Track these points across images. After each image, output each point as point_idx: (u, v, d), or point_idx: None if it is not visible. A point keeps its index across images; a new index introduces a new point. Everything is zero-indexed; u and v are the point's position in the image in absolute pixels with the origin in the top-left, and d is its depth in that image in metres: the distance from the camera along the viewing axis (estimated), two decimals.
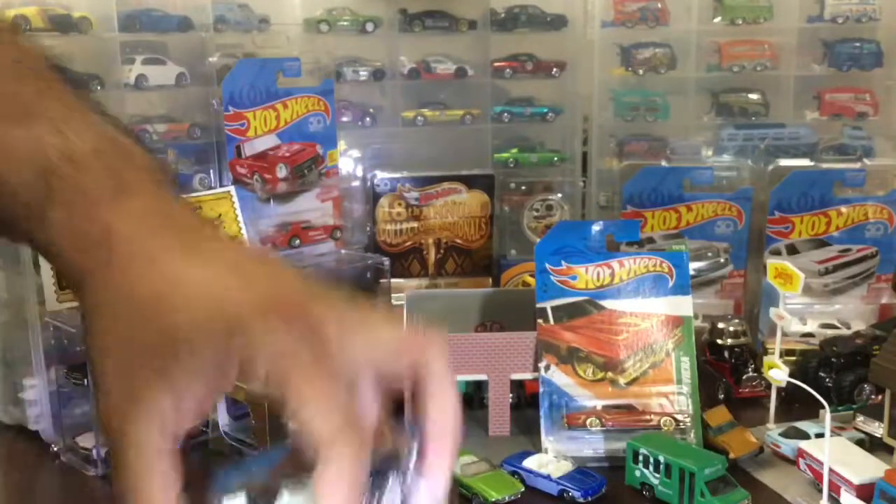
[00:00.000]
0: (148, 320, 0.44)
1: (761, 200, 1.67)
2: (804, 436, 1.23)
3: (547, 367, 1.30)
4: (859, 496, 1.06)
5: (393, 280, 1.62)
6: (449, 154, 1.81)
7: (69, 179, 0.46)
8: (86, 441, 1.26)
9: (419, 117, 1.81)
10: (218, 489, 0.47)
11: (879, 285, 1.68)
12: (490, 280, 1.78)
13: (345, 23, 1.77)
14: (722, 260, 1.68)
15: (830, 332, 1.58)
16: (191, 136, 1.61)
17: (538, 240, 1.43)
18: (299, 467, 0.44)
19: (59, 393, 1.28)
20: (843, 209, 1.65)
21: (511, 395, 1.35)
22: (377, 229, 1.74)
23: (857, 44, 1.85)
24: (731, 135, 1.84)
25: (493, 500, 1.14)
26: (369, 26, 1.77)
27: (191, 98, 1.62)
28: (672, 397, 1.29)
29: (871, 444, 1.23)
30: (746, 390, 1.45)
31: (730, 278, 1.69)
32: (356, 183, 1.76)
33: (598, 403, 1.29)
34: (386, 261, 1.60)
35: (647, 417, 1.28)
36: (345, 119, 1.74)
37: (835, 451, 1.11)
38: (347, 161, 1.75)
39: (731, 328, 1.49)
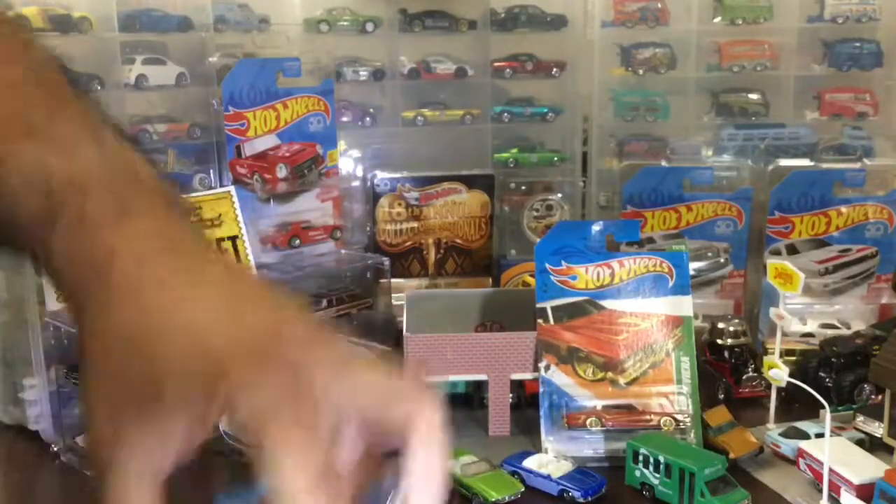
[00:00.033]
0: (135, 357, 0.44)
1: (761, 200, 1.67)
2: (804, 436, 1.23)
3: (547, 367, 1.30)
4: (859, 496, 1.06)
5: (393, 280, 1.63)
6: (449, 154, 1.81)
7: (71, 204, 0.46)
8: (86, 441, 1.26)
9: (419, 117, 1.81)
10: None
11: (879, 285, 1.68)
12: (490, 280, 1.78)
13: (345, 23, 1.77)
14: (722, 260, 1.68)
15: (830, 332, 1.58)
16: (191, 136, 1.61)
17: (538, 240, 1.43)
18: None
19: (59, 393, 1.28)
20: (843, 209, 1.65)
21: (511, 395, 1.35)
22: (377, 229, 1.74)
23: (857, 44, 1.85)
24: (731, 135, 1.84)
25: (493, 500, 1.14)
26: (369, 26, 1.77)
27: (191, 98, 1.62)
28: (672, 397, 1.29)
29: (871, 444, 1.23)
30: (746, 390, 1.45)
31: (730, 278, 1.69)
32: (356, 183, 1.76)
33: (598, 403, 1.29)
34: (386, 261, 1.60)
35: (647, 417, 1.28)
36: (345, 119, 1.74)
37: (835, 451, 1.11)
38: (347, 161, 1.75)
39: (731, 328, 1.49)
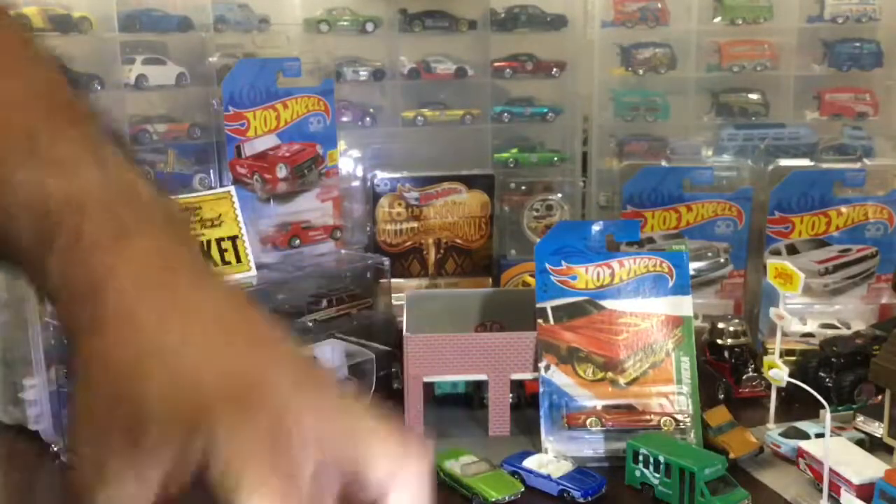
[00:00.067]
0: (121, 393, 0.43)
1: (761, 200, 1.67)
2: (804, 436, 1.23)
3: (547, 367, 1.30)
4: (859, 496, 1.06)
5: (393, 280, 1.62)
6: (449, 154, 1.81)
7: (68, 225, 0.45)
8: None
9: (419, 117, 1.81)
10: None
11: (879, 285, 1.68)
12: (490, 280, 1.77)
13: (345, 23, 1.77)
14: (722, 260, 1.68)
15: (830, 332, 1.58)
16: (191, 136, 1.61)
17: (538, 240, 1.43)
18: None
19: (59, 393, 1.28)
20: (843, 209, 1.65)
21: (511, 395, 1.35)
22: (377, 229, 1.74)
23: (857, 44, 1.85)
24: (731, 135, 1.84)
25: (493, 500, 1.14)
26: (369, 26, 1.77)
27: (191, 98, 1.62)
28: (672, 397, 1.29)
29: (871, 444, 1.23)
30: (746, 390, 1.45)
31: (730, 278, 1.69)
32: (356, 183, 1.76)
33: (598, 403, 1.29)
34: (386, 261, 1.60)
35: (647, 417, 1.28)
36: (345, 119, 1.74)
37: (835, 451, 1.11)
38: (347, 161, 1.75)
39: (731, 328, 1.49)
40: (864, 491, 1.06)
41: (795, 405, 1.37)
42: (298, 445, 0.42)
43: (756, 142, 1.83)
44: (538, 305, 1.33)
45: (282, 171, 1.57)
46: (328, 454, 0.42)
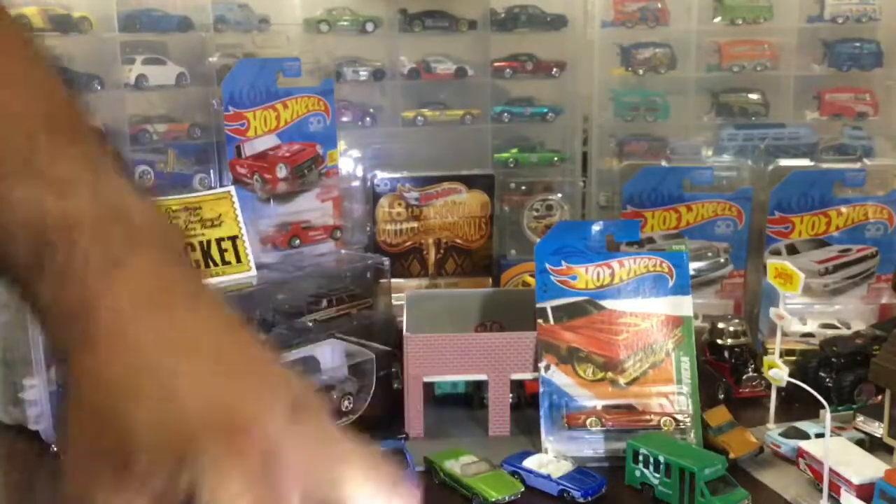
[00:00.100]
0: (109, 420, 0.43)
1: (761, 200, 1.67)
2: (804, 436, 1.23)
3: (547, 367, 1.30)
4: (859, 496, 1.06)
5: (393, 280, 1.62)
6: (449, 154, 1.81)
7: (61, 248, 0.45)
8: None
9: (419, 117, 1.81)
10: None
11: (879, 285, 1.68)
12: (490, 280, 1.78)
13: (345, 23, 1.77)
14: (722, 260, 1.68)
15: (830, 332, 1.58)
16: (191, 136, 1.61)
17: (538, 240, 1.43)
18: None
19: (59, 393, 1.28)
20: (843, 209, 1.65)
21: (511, 395, 1.35)
22: (377, 229, 1.74)
23: (857, 44, 1.85)
24: (731, 135, 1.84)
25: (493, 500, 1.14)
26: (369, 26, 1.77)
27: (191, 98, 1.62)
28: (672, 397, 1.29)
29: (871, 444, 1.23)
30: (746, 390, 1.45)
31: (730, 278, 1.69)
32: (356, 183, 1.76)
33: (598, 403, 1.29)
34: (386, 261, 1.60)
35: (647, 417, 1.28)
36: (345, 119, 1.74)
37: (835, 451, 1.11)
38: (347, 161, 1.75)
39: (731, 328, 1.49)
40: (864, 491, 1.06)
41: (795, 405, 1.37)
42: (284, 480, 0.41)
43: (756, 142, 1.83)
44: (538, 305, 1.33)
45: (282, 171, 1.57)
46: (314, 491, 0.42)
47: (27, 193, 0.46)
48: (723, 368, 1.47)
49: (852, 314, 1.67)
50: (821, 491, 1.11)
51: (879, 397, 1.28)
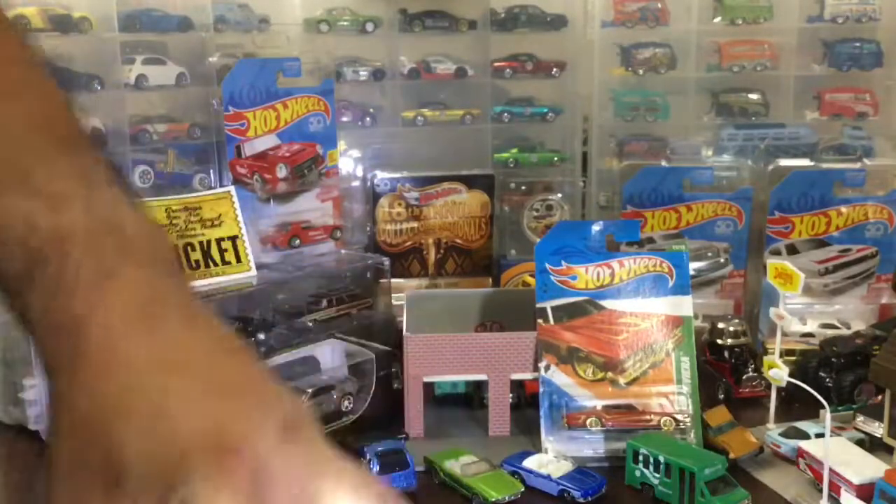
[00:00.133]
0: (98, 436, 0.42)
1: (761, 200, 1.67)
2: (804, 436, 1.23)
3: (547, 367, 1.30)
4: (859, 496, 1.06)
5: (393, 280, 1.62)
6: (449, 154, 1.81)
7: (52, 262, 0.45)
8: None
9: (419, 117, 1.81)
10: None
11: (879, 285, 1.68)
12: (490, 280, 1.78)
13: (345, 23, 1.77)
14: (722, 260, 1.68)
15: (830, 332, 1.58)
16: (191, 136, 1.61)
17: (538, 240, 1.43)
18: None
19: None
20: (843, 209, 1.65)
21: (511, 395, 1.35)
22: (377, 229, 1.74)
23: (857, 44, 1.85)
24: (731, 135, 1.84)
25: (493, 500, 1.14)
26: (369, 26, 1.77)
27: (191, 98, 1.62)
28: (672, 397, 1.29)
29: (871, 444, 1.23)
30: (746, 390, 1.45)
31: (730, 278, 1.69)
32: (356, 183, 1.76)
33: (598, 403, 1.29)
34: (386, 261, 1.60)
35: (647, 417, 1.28)
36: (345, 119, 1.74)
37: (835, 451, 1.11)
38: (347, 161, 1.75)
39: (731, 328, 1.49)
40: (864, 491, 1.06)
41: (795, 405, 1.37)
42: (274, 499, 0.41)
43: (756, 142, 1.83)
44: (538, 305, 1.33)
45: (282, 171, 1.56)
46: None
47: (20, 205, 0.46)
48: (723, 368, 1.47)
49: (852, 314, 1.67)
50: (821, 491, 1.11)
51: (879, 397, 1.28)
